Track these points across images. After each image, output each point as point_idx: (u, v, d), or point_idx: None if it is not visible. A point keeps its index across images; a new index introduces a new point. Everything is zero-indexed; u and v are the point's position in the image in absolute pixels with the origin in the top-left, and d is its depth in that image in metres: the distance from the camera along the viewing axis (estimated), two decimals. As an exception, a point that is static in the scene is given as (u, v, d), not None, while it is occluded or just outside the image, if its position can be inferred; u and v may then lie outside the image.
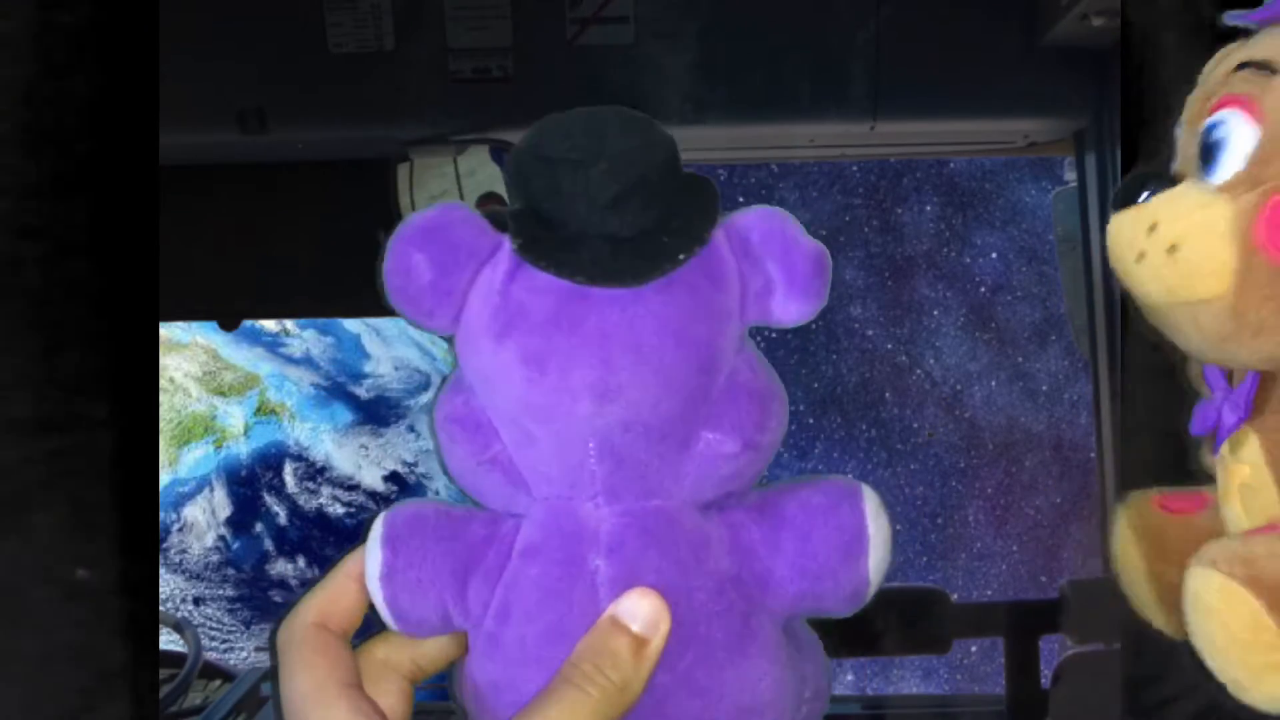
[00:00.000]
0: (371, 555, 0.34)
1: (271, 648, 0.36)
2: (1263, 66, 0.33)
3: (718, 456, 0.33)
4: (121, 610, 0.46)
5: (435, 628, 0.35)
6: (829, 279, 0.34)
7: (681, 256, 0.32)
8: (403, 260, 0.33)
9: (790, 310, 0.34)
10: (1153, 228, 0.34)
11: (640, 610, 0.32)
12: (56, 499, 0.46)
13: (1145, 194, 0.35)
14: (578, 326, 0.31)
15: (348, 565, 0.36)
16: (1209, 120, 0.34)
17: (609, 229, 0.32)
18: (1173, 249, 0.34)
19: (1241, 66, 0.34)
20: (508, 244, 0.33)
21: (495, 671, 0.34)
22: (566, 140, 0.32)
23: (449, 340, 0.34)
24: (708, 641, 0.33)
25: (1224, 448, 0.37)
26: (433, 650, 0.36)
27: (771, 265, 0.33)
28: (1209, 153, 0.34)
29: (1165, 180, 0.35)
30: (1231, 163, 0.33)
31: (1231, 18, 0.35)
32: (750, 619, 0.33)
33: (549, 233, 0.32)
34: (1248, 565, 0.30)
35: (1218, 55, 0.35)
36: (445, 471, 0.35)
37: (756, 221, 0.34)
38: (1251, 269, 0.32)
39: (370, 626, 0.36)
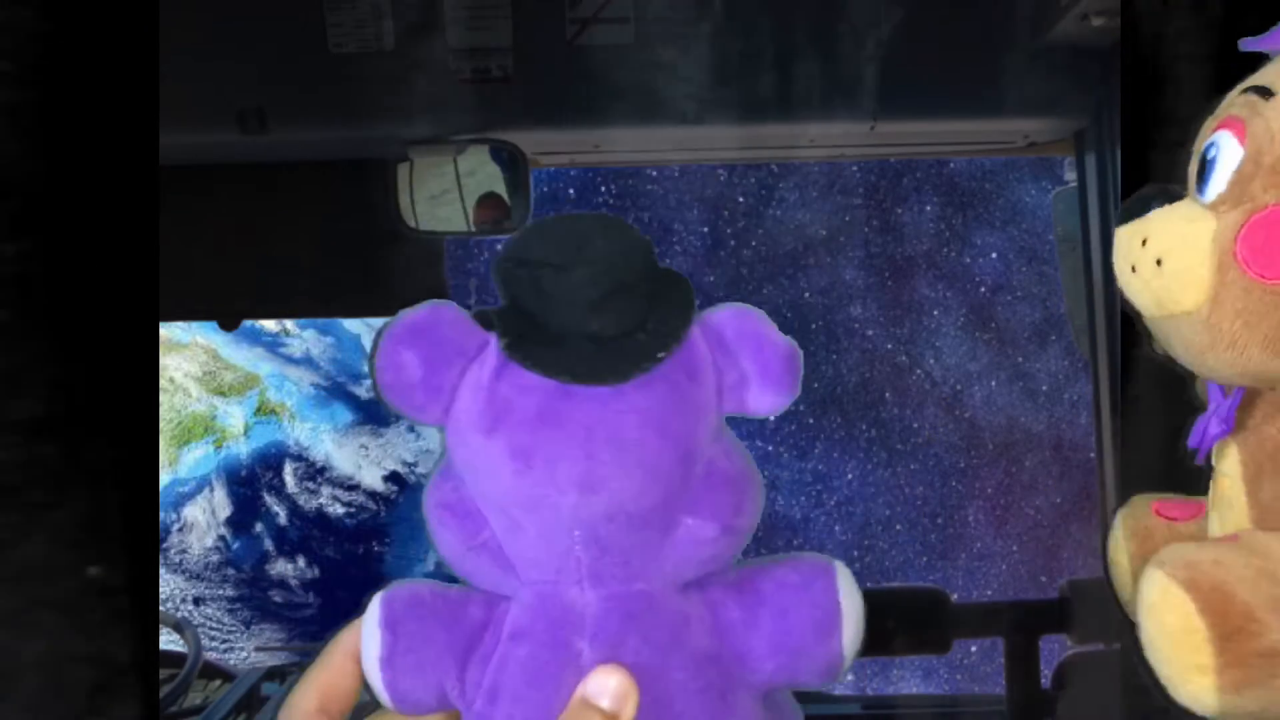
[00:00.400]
0: (370, 638, 0.35)
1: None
2: (1261, 91, 0.34)
3: (697, 541, 0.34)
4: (129, 609, 0.46)
5: (431, 708, 0.36)
6: (800, 374, 0.35)
7: (660, 355, 0.33)
8: (393, 358, 0.34)
9: (764, 403, 0.35)
10: (1145, 241, 0.36)
11: (608, 687, 0.33)
12: (62, 499, 0.46)
13: (1150, 209, 0.36)
14: (563, 423, 0.33)
15: (343, 642, 0.37)
16: (1207, 141, 0.36)
17: (591, 329, 0.33)
18: (1160, 261, 0.35)
19: (1245, 91, 0.35)
20: (494, 342, 0.34)
21: None
22: (547, 245, 0.34)
23: (440, 430, 0.36)
24: (685, 718, 0.34)
25: (1212, 459, 0.38)
26: None
27: (745, 361, 0.35)
28: (1203, 171, 0.35)
29: (1170, 197, 0.36)
30: (1218, 182, 0.35)
31: (1246, 45, 0.36)
32: (727, 695, 0.34)
33: (533, 331, 0.34)
34: (1190, 568, 0.32)
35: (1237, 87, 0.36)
36: (437, 552, 0.36)
37: (730, 319, 0.35)
38: (1226, 285, 0.34)
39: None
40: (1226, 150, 0.35)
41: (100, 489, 0.46)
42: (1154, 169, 0.38)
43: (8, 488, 0.45)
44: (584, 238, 0.33)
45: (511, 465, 0.33)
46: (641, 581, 0.34)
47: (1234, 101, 0.35)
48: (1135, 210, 0.37)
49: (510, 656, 0.34)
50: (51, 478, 0.46)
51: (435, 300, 0.35)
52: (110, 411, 0.47)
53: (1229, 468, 0.37)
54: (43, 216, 0.46)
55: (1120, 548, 0.42)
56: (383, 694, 0.35)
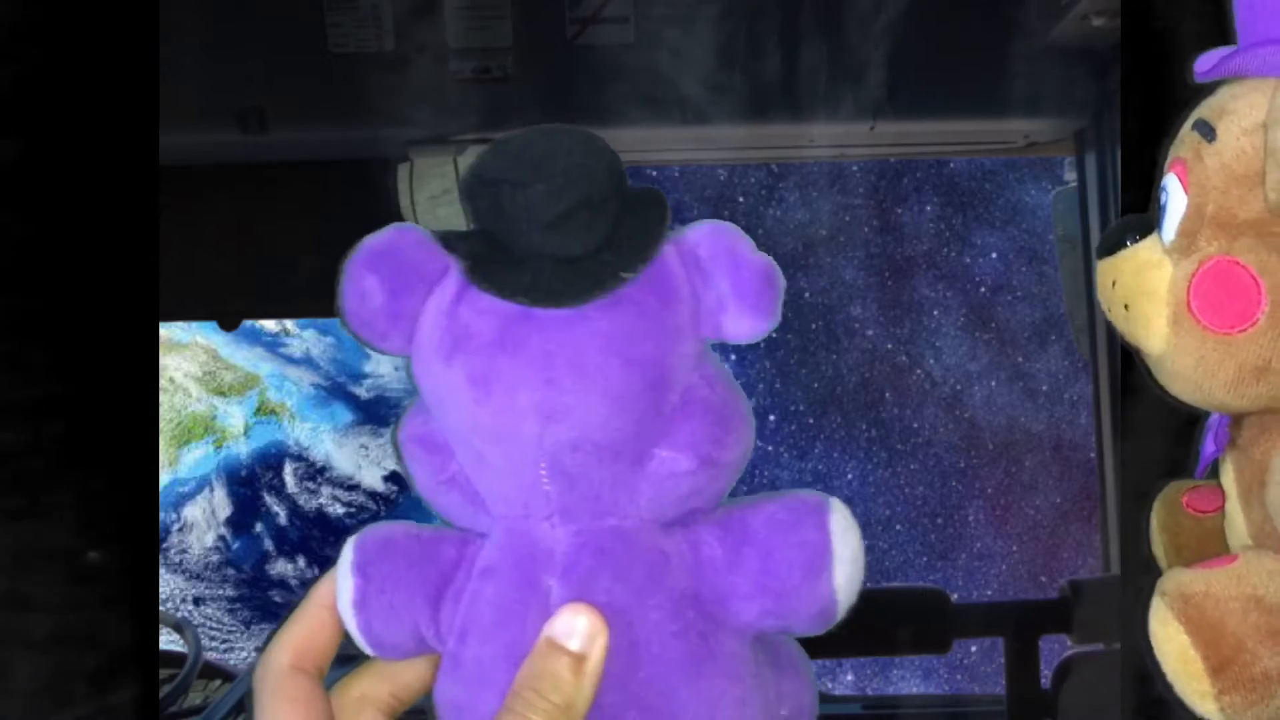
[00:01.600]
0: (343, 582, 0.34)
1: (249, 687, 0.35)
2: (1205, 129, 0.34)
3: (673, 474, 0.32)
4: (129, 593, 0.46)
5: (410, 650, 0.35)
6: (779, 295, 0.33)
7: (625, 275, 0.32)
8: (356, 283, 0.33)
9: (742, 326, 0.33)
10: (1114, 284, 0.36)
11: (576, 627, 0.31)
12: (62, 483, 0.46)
13: (1125, 243, 0.37)
14: (521, 347, 0.31)
15: (319, 593, 0.35)
16: (1162, 181, 0.36)
17: (552, 249, 0.31)
18: (1126, 307, 0.36)
19: (1195, 125, 0.35)
20: (456, 265, 0.33)
21: (456, 693, 0.34)
22: (507, 161, 0.32)
23: (407, 362, 0.34)
24: (662, 661, 0.32)
25: (1219, 470, 0.38)
26: (410, 680, 0.36)
27: (721, 281, 0.33)
28: (1161, 211, 0.36)
29: (1145, 228, 0.36)
30: (1169, 229, 0.35)
31: (1200, 76, 0.36)
32: (709, 638, 0.33)
33: (496, 254, 0.32)
34: (1185, 601, 0.33)
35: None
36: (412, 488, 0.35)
37: (705, 237, 0.33)
38: (1182, 335, 0.34)
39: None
40: (1174, 197, 0.35)
41: (100, 476, 0.46)
42: (1154, 170, 0.38)
43: (7, 471, 0.45)
44: (546, 152, 0.31)
45: (471, 393, 0.31)
46: (614, 517, 0.32)
47: (1184, 138, 0.35)
48: (1111, 244, 0.37)
49: (479, 595, 0.33)
50: (52, 462, 0.46)
51: (399, 223, 0.33)
52: (111, 411, 0.47)
53: (1228, 485, 0.37)
54: (42, 217, 0.46)
55: (1156, 538, 0.42)
56: (359, 638, 0.34)
